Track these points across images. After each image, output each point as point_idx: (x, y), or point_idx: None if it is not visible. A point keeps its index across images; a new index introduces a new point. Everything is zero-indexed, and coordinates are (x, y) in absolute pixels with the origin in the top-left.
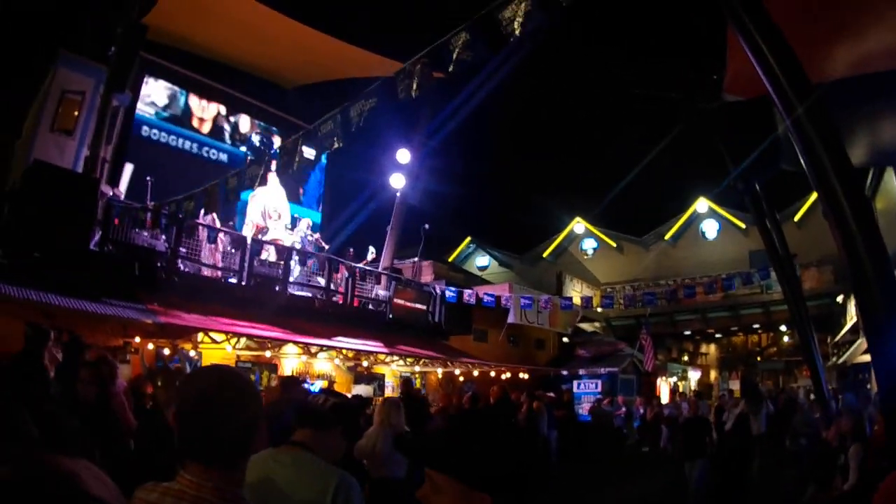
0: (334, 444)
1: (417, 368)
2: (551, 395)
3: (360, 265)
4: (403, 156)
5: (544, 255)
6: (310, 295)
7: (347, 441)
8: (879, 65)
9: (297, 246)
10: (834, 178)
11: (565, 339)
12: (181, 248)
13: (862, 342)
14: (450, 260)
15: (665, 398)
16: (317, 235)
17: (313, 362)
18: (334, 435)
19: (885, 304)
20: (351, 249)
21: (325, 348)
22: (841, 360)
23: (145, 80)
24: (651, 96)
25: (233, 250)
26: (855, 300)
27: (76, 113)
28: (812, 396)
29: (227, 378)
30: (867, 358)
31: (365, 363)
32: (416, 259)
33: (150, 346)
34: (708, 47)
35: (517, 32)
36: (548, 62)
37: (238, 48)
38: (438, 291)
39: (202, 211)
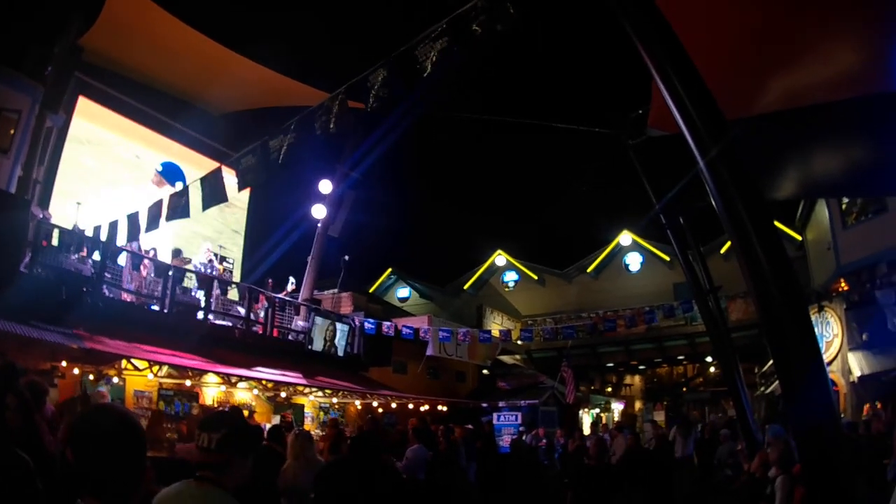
0: (239, 472)
1: (335, 400)
2: (469, 426)
3: (280, 296)
4: (325, 186)
5: (465, 287)
6: (230, 324)
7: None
8: (811, 98)
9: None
10: (748, 224)
11: (486, 372)
12: (106, 273)
13: None
14: (370, 291)
15: (587, 430)
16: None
17: (234, 392)
18: (242, 464)
19: (799, 351)
20: (270, 280)
21: (244, 378)
22: (769, 391)
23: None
24: (576, 130)
25: (156, 277)
26: (768, 346)
27: (12, 131)
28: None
29: (115, 417)
30: None
31: (283, 394)
32: (335, 290)
33: (76, 370)
34: (633, 82)
35: (431, 68)
36: (475, 95)
37: (169, 72)
38: (357, 323)
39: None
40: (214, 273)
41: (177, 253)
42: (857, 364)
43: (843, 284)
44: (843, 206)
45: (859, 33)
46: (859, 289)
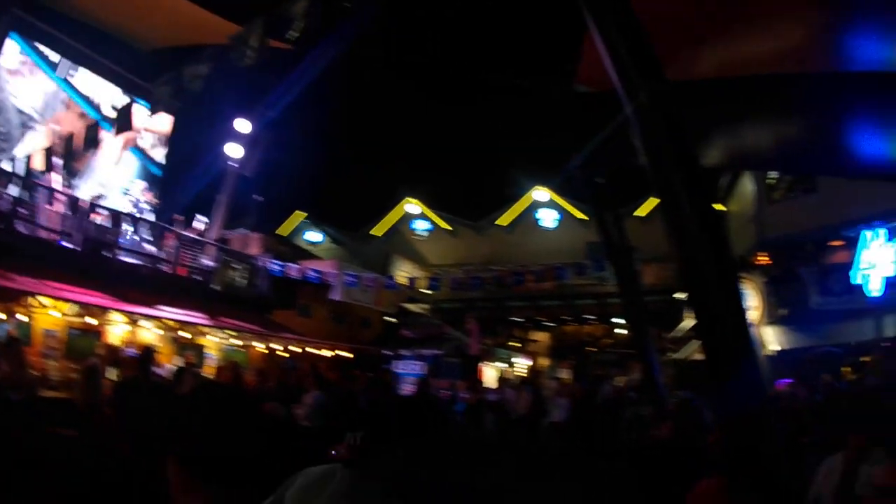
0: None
1: (240, 342)
2: (370, 374)
3: (188, 234)
4: (242, 125)
5: (377, 233)
6: (139, 262)
7: None
8: (750, 68)
9: (131, 210)
10: (678, 183)
11: (391, 319)
12: (19, 208)
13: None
14: (281, 233)
15: (491, 383)
16: (149, 195)
17: (137, 331)
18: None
19: (726, 321)
20: (180, 217)
21: (148, 317)
22: (678, 356)
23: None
24: (501, 80)
25: (70, 213)
26: (694, 312)
27: None
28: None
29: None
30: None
31: (185, 334)
32: (245, 230)
33: None
34: (565, 35)
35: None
36: (395, 37)
37: (97, 4)
38: (264, 264)
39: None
40: (142, 212)
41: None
42: (775, 338)
43: (764, 257)
44: (772, 181)
45: (811, 7)
46: (781, 264)
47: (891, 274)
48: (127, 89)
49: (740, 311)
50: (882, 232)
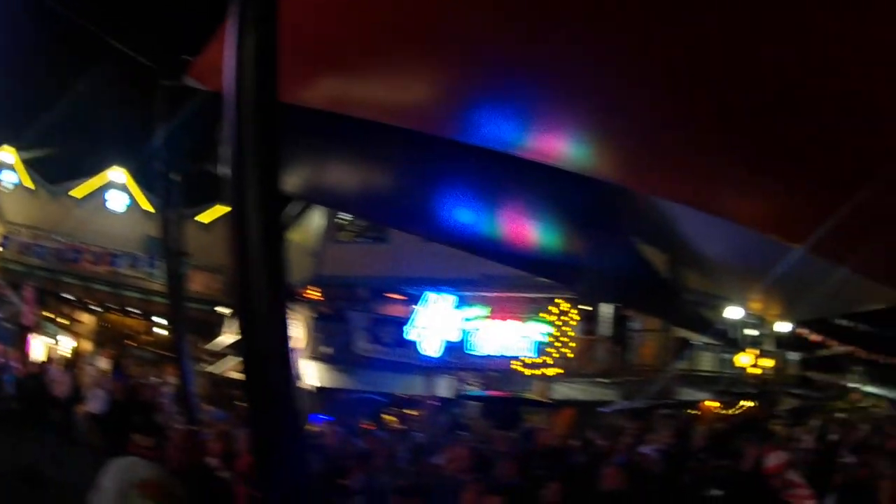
0: None
1: None
2: None
3: None
4: None
5: None
6: None
7: None
8: (358, 111)
9: None
10: (252, 200)
11: None
12: None
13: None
14: None
15: (38, 357)
16: None
17: None
18: None
19: (271, 345)
20: None
21: None
22: (213, 370)
23: None
24: (119, 50)
25: None
26: (244, 347)
27: None
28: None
29: None
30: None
31: None
32: None
33: None
34: (192, 24)
35: None
36: None
37: None
38: None
39: None
40: None
41: None
42: (316, 374)
43: (315, 293)
44: (343, 222)
45: (440, 67)
46: (333, 303)
47: (454, 339)
48: None
49: (285, 340)
50: (452, 298)
